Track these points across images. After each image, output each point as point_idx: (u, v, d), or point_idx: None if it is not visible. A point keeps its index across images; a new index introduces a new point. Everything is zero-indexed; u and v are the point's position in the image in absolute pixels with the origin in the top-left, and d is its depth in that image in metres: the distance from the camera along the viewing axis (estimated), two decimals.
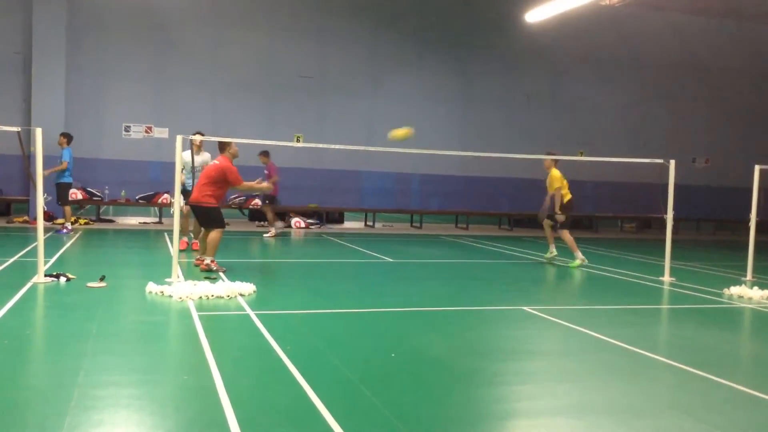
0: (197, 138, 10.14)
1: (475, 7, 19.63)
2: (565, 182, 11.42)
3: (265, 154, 14.49)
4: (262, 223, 17.21)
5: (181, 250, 9.76)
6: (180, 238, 9.76)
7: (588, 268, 11.16)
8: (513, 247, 14.14)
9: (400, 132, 9.02)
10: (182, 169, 9.90)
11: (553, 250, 11.72)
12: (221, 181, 9.06)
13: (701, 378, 4.98)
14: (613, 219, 21.24)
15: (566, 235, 11.42)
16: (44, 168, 8.28)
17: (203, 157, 10.90)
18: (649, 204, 19.77)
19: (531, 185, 19.80)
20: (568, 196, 11.46)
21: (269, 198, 14.69)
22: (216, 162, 9.26)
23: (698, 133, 22.10)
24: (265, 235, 14.61)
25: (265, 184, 10.30)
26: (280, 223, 15.28)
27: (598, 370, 5.20)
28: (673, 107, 21.80)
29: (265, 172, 14.63)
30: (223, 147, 9.35)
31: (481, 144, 18.33)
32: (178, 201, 8.50)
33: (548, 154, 11.92)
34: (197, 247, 10.12)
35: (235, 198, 16.91)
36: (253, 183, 9.94)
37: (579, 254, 11.28)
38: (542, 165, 11.80)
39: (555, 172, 11.34)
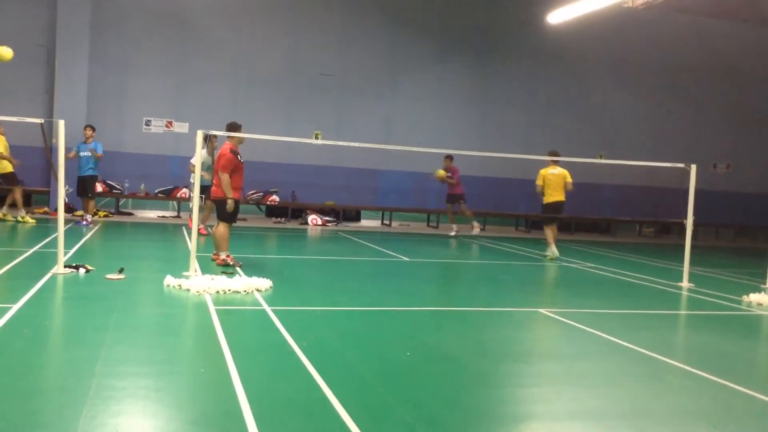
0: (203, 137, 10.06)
1: (497, 8, 19.55)
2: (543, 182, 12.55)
3: (449, 157, 15.91)
4: (279, 219, 17.28)
5: (200, 234, 9.87)
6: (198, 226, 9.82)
7: (605, 272, 11.09)
8: (530, 248, 14.08)
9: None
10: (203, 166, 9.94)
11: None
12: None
13: (719, 385, 4.93)
14: (632, 223, 21.08)
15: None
16: (65, 156, 8.30)
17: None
18: (668, 209, 19.64)
19: None
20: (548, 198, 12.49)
21: (462, 197, 16.16)
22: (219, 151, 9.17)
23: (720, 138, 21.85)
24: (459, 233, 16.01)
25: (230, 198, 8.85)
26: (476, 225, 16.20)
27: (615, 375, 5.17)
28: (695, 111, 21.58)
29: (449, 174, 15.98)
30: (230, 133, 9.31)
31: (500, 145, 18.26)
32: (197, 195, 8.55)
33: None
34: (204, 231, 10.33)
35: (252, 194, 16.98)
36: (229, 186, 8.80)
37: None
38: (562, 167, 11.89)
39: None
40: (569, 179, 12.31)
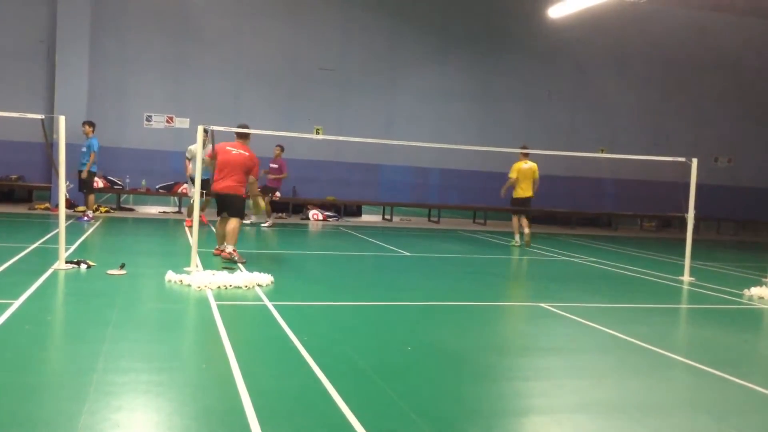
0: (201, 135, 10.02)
1: (498, 2, 19.52)
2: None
3: (281, 147, 14.72)
4: (280, 214, 17.28)
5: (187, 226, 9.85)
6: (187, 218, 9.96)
7: (607, 266, 11.09)
8: (532, 244, 14.07)
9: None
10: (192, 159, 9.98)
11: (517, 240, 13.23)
12: (249, 171, 9.23)
13: (720, 378, 4.93)
14: (633, 217, 21.06)
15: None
16: (66, 157, 8.30)
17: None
18: (669, 203, 19.62)
19: (550, 182, 19.72)
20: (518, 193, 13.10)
21: (269, 189, 14.76)
22: (244, 153, 9.22)
23: (721, 132, 21.84)
24: (259, 224, 14.64)
25: (262, 202, 10.40)
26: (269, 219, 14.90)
27: (616, 368, 5.17)
28: (696, 105, 21.55)
29: (273, 165, 14.59)
30: (246, 136, 9.39)
31: (501, 139, 18.24)
32: (198, 190, 8.54)
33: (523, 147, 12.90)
34: (190, 224, 10.23)
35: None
36: (257, 190, 10.00)
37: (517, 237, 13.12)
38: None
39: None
40: (537, 175, 13.01)
